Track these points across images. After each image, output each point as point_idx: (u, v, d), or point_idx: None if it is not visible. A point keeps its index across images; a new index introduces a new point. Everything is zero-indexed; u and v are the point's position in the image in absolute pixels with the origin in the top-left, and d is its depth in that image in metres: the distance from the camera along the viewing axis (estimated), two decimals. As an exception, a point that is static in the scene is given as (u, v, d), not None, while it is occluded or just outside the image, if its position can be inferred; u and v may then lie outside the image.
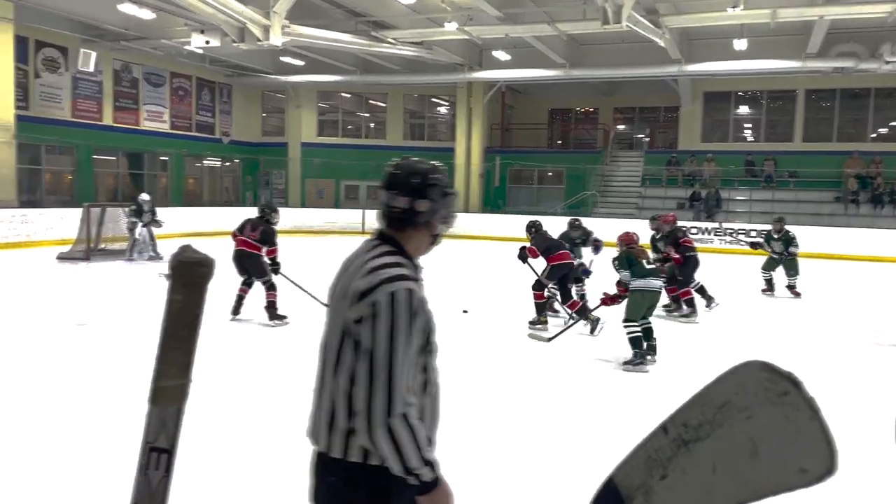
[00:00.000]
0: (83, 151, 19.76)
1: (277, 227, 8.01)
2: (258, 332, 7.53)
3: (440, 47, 19.36)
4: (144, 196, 13.93)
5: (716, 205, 21.18)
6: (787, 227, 11.13)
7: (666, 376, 6.07)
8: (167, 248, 14.82)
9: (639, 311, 6.40)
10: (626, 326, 6.41)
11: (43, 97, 18.46)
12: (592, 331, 7.64)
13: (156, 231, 13.97)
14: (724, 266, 15.16)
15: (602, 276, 8.43)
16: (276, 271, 7.90)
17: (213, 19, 14.74)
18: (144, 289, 10.28)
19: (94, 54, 17.23)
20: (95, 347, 6.64)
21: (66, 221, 15.79)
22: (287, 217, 22.04)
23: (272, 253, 7.84)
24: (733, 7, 14.19)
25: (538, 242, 8.17)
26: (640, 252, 6.62)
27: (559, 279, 8.03)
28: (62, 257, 13.29)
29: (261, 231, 7.79)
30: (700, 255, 9.22)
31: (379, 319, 1.47)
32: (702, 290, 9.23)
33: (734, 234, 19.62)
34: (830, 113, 22.74)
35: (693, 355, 6.95)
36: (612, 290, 6.66)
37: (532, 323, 8.01)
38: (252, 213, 8.55)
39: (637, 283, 6.42)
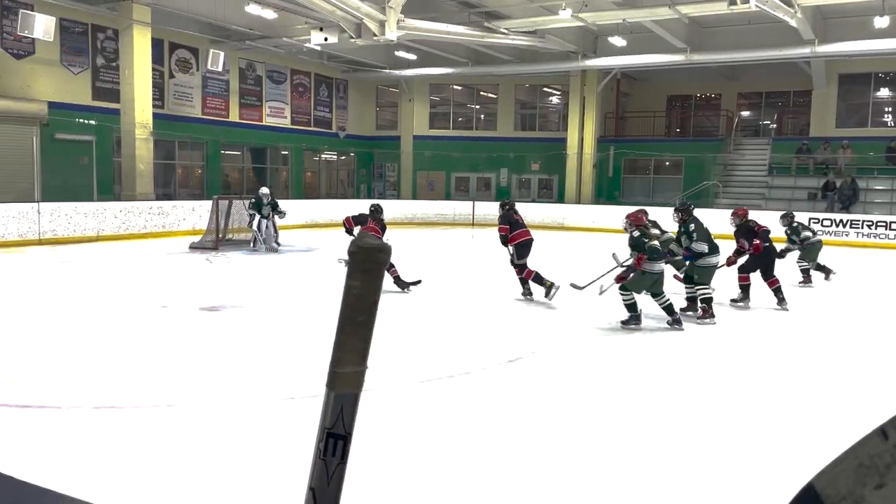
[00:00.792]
0: (212, 147, 20.95)
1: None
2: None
3: (553, 35, 19.06)
4: (264, 190, 14.51)
5: (852, 195, 19.68)
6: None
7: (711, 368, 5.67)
8: (288, 239, 15.53)
9: (639, 287, 7.33)
10: (622, 294, 7.35)
11: (176, 96, 19.68)
12: (547, 294, 8.59)
13: (279, 221, 14.55)
14: (860, 259, 14.07)
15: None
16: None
17: (331, 16, 15.16)
18: (266, 277, 10.74)
19: (222, 54, 18.18)
20: (225, 330, 6.99)
21: (196, 213, 16.82)
22: (399, 208, 22.79)
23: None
24: (877, -20, 13.10)
25: (505, 222, 9.00)
26: (650, 234, 7.59)
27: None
28: (194, 246, 14.13)
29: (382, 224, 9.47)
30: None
31: None
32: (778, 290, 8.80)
33: (872, 226, 18.18)
34: None
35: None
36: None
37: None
38: (365, 204, 10.07)
39: (644, 265, 7.22)
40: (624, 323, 7.39)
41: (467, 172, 26.17)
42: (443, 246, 16.54)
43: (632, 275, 7.37)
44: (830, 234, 17.61)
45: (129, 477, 3.53)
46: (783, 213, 11.03)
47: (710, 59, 20.25)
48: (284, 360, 5.93)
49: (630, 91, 25.97)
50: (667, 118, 26.00)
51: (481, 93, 26.50)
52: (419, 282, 9.45)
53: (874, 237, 17.95)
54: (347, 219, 9.83)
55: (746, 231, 8.76)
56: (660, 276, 7.31)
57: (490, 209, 22.74)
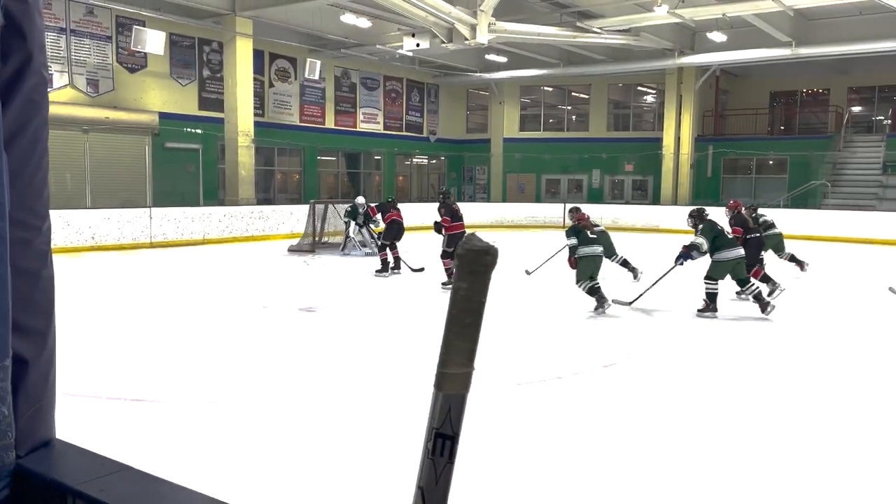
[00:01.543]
0: (309, 153, 21.65)
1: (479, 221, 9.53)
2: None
3: (648, 33, 18.59)
4: (360, 199, 14.61)
5: (979, 194, 18.20)
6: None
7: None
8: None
9: (586, 272, 8.17)
10: (579, 285, 8.23)
11: (276, 104, 20.46)
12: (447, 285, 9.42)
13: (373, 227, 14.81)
14: None
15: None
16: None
17: (423, 22, 15.37)
18: (361, 280, 10.98)
19: (318, 63, 18.77)
20: (322, 330, 7.19)
21: (294, 217, 17.42)
22: (489, 211, 22.82)
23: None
24: None
25: (447, 213, 9.71)
26: (587, 224, 8.64)
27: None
28: (292, 249, 14.63)
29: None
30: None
31: None
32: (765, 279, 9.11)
33: None
34: None
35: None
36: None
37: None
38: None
39: (584, 250, 8.21)
40: (595, 311, 8.06)
41: (558, 174, 25.89)
42: (533, 249, 16.42)
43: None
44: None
45: (232, 469, 3.69)
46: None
47: (818, 53, 19.18)
48: (378, 359, 6.04)
49: (730, 88, 24.98)
50: (770, 115, 24.84)
51: (573, 93, 26.17)
52: (422, 269, 10.87)
53: None
54: (371, 207, 11.18)
55: (742, 223, 9.19)
56: (600, 258, 8.36)
57: (585, 211, 22.45)
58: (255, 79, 18.24)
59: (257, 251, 14.71)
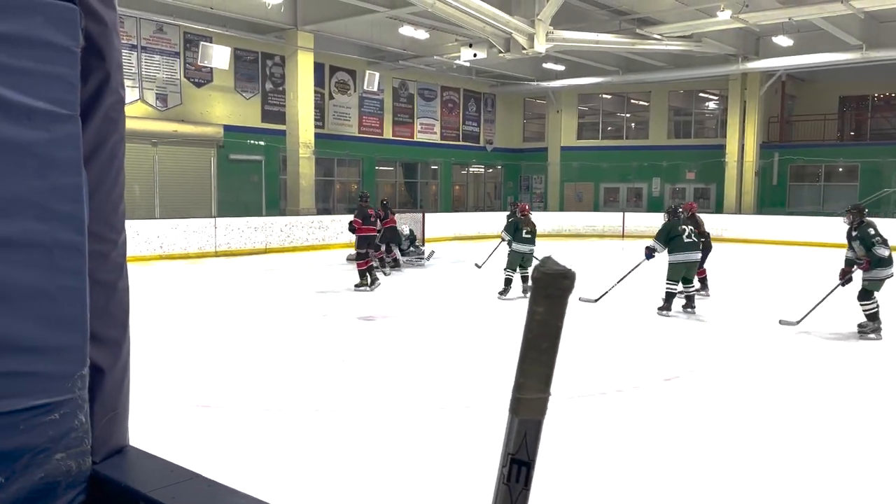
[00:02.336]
0: (367, 163, 21.93)
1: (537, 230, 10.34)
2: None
3: (711, 39, 18.19)
4: (405, 230, 14.57)
5: None
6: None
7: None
8: (436, 252, 15.89)
9: (514, 263, 9.99)
10: (505, 271, 9.98)
11: (335, 116, 20.82)
12: (358, 286, 10.50)
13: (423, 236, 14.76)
14: None
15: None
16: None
17: (481, 32, 15.41)
18: (416, 288, 11.03)
19: (377, 75, 19.03)
20: (380, 340, 7.25)
21: (354, 226, 17.63)
22: (546, 221, 22.64)
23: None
24: None
25: (359, 215, 10.72)
26: (526, 222, 10.11)
27: (370, 246, 10.70)
28: (350, 259, 14.80)
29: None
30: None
31: None
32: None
33: None
34: None
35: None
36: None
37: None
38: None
39: (516, 246, 9.99)
40: (502, 294, 9.69)
41: (617, 183, 25.52)
42: (592, 259, 16.22)
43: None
44: None
45: (297, 478, 3.74)
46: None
47: (891, 57, 18.42)
48: (435, 370, 6.05)
49: (797, 93, 24.21)
50: (839, 121, 23.94)
51: (632, 101, 25.80)
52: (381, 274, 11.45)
53: None
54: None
55: (695, 226, 9.49)
56: (529, 255, 9.92)
57: (642, 220, 22.07)
58: (315, 91, 18.60)
59: (317, 260, 14.95)
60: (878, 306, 7.41)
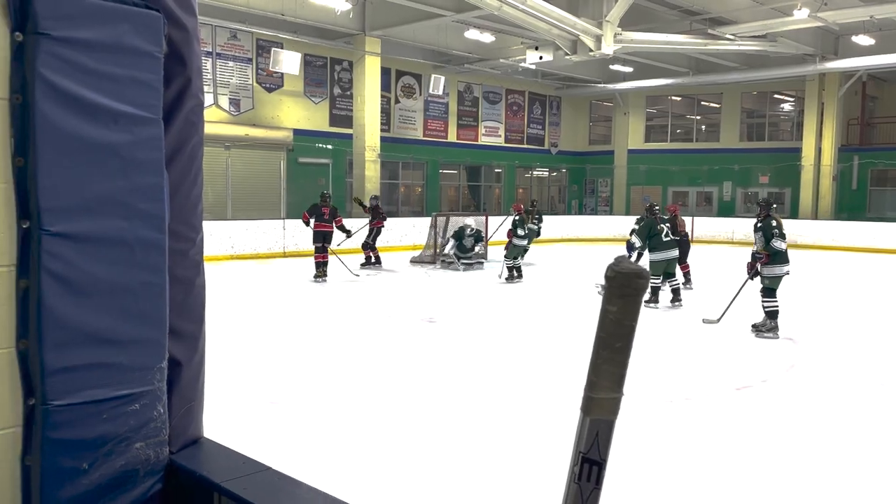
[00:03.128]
0: (431, 166, 22.07)
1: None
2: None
3: (786, 38, 17.55)
4: (471, 223, 14.54)
5: None
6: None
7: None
8: (499, 255, 15.83)
9: (513, 254, 11.89)
10: (506, 258, 11.92)
11: (401, 120, 21.04)
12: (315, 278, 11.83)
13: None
14: None
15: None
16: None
17: (547, 35, 15.31)
18: (478, 290, 11.03)
19: (442, 79, 19.13)
20: (444, 342, 7.28)
21: (417, 229, 17.77)
22: (612, 225, 22.30)
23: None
24: None
25: (311, 212, 11.94)
26: (525, 218, 12.41)
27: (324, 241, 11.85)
28: (414, 261, 14.93)
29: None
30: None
31: None
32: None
33: None
34: None
35: None
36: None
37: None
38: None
39: (516, 241, 11.85)
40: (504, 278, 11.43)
41: (686, 187, 24.92)
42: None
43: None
44: None
45: (364, 474, 3.79)
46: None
47: (984, 53, 17.39)
48: (499, 373, 6.03)
49: (878, 94, 23.11)
50: (925, 122, 22.75)
51: (702, 102, 25.15)
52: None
53: None
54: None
55: (674, 226, 10.18)
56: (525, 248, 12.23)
57: (712, 225, 21.48)
58: (382, 95, 18.84)
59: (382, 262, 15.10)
60: (778, 306, 7.55)
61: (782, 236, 7.50)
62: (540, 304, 9.79)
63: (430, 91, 19.42)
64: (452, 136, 22.59)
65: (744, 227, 21.02)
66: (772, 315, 7.53)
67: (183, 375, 1.63)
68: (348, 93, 19.05)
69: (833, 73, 20.68)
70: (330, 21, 16.35)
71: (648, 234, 9.42)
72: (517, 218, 12.26)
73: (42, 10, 1.33)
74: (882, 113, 23.03)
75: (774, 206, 8.17)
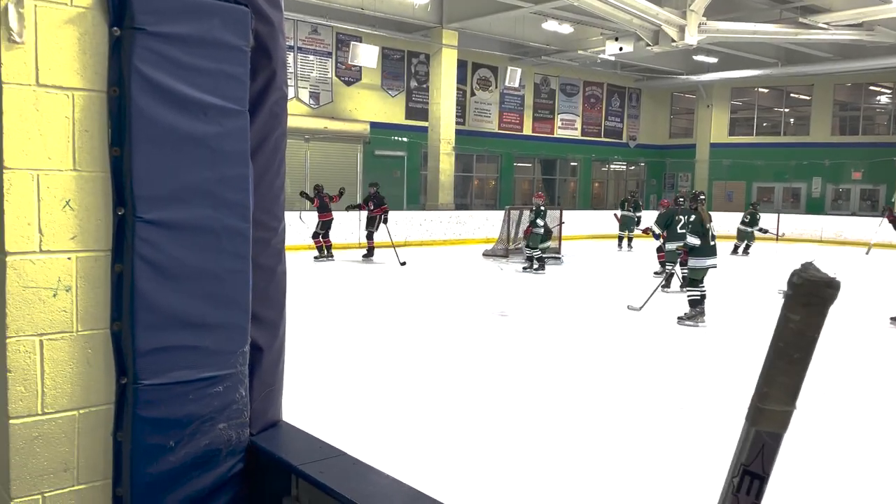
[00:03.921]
0: (506, 159, 21.98)
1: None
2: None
3: (885, 27, 16.58)
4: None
5: None
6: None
7: None
8: (571, 249, 15.64)
9: (534, 243, 12.27)
10: (529, 247, 12.48)
11: (476, 112, 21.02)
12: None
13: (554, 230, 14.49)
14: None
15: None
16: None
17: (628, 25, 14.97)
18: (550, 286, 10.91)
19: (519, 71, 19.01)
20: (516, 336, 7.25)
21: (490, 222, 17.75)
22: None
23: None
24: None
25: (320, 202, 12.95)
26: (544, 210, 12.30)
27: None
28: (486, 254, 14.92)
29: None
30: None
31: None
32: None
33: None
34: None
35: None
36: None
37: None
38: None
39: (536, 230, 12.16)
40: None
41: (772, 182, 23.93)
42: (741, 262, 15.36)
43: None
44: None
45: (440, 464, 3.83)
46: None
47: None
48: (570, 372, 5.96)
49: None
50: None
51: (791, 94, 24.05)
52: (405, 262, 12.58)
53: None
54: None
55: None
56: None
57: (799, 223, 20.57)
58: (457, 88, 18.87)
59: (454, 255, 15.17)
60: (702, 295, 7.86)
61: (697, 232, 7.91)
62: (614, 300, 9.60)
63: (507, 83, 19.34)
64: (528, 129, 22.42)
65: (834, 225, 20.06)
66: (692, 303, 7.91)
67: (264, 360, 1.68)
68: (424, 86, 19.17)
69: (936, 63, 19.39)
70: (408, 14, 16.47)
71: (666, 224, 9.91)
72: (539, 208, 12.27)
73: (139, 6, 1.39)
74: None
75: (702, 198, 8.38)
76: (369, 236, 13.68)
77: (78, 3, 1.39)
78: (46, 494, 1.44)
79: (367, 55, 16.22)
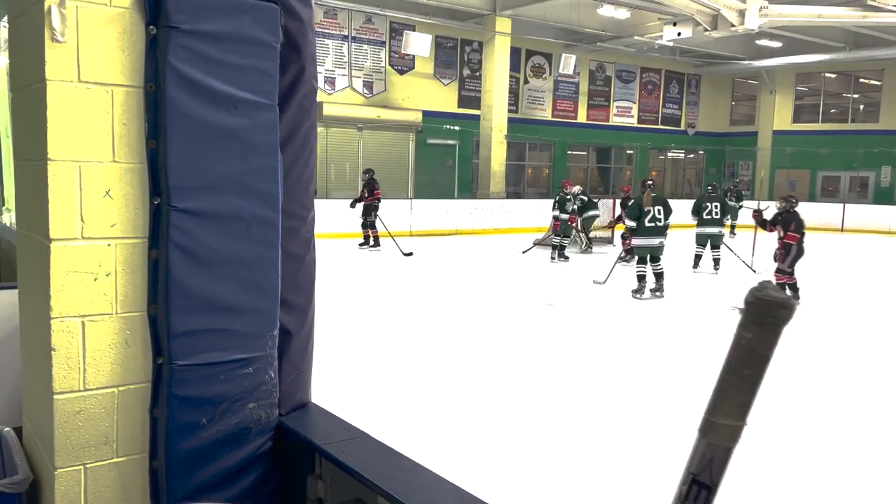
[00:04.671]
0: (559, 147, 21.76)
1: None
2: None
3: (963, 6, 15.73)
4: (575, 189, 13.87)
5: None
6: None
7: None
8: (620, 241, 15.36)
9: (563, 232, 12.48)
10: (557, 236, 12.64)
11: (529, 100, 20.86)
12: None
13: (595, 217, 14.27)
14: None
15: None
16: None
17: (686, 10, 14.60)
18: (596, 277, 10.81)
19: (573, 58, 18.77)
20: (562, 326, 7.23)
21: (542, 211, 17.62)
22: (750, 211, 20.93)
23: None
24: None
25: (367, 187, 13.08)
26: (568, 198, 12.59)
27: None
28: (537, 243, 14.83)
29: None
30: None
31: None
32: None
33: None
34: None
35: None
36: None
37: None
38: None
39: (561, 216, 12.34)
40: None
41: (838, 171, 23.05)
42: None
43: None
44: None
45: (464, 452, 3.88)
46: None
47: None
48: (613, 366, 5.93)
49: None
50: None
51: (861, 80, 23.08)
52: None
53: None
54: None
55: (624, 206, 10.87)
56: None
57: (867, 214, 19.80)
58: (511, 76, 18.76)
59: (503, 244, 15.15)
60: (644, 273, 8.79)
61: (632, 216, 8.91)
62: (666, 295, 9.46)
63: (561, 70, 19.13)
64: (582, 117, 22.13)
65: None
66: (638, 279, 8.85)
67: (293, 344, 1.75)
68: (477, 74, 19.12)
69: None
70: (461, 2, 16.45)
71: (636, 215, 9.07)
72: (566, 195, 12.46)
73: (173, 5, 1.46)
74: None
75: (650, 183, 9.37)
76: (371, 225, 13.28)
77: (117, 3, 1.47)
78: (88, 465, 1.54)
79: (419, 44, 16.27)
